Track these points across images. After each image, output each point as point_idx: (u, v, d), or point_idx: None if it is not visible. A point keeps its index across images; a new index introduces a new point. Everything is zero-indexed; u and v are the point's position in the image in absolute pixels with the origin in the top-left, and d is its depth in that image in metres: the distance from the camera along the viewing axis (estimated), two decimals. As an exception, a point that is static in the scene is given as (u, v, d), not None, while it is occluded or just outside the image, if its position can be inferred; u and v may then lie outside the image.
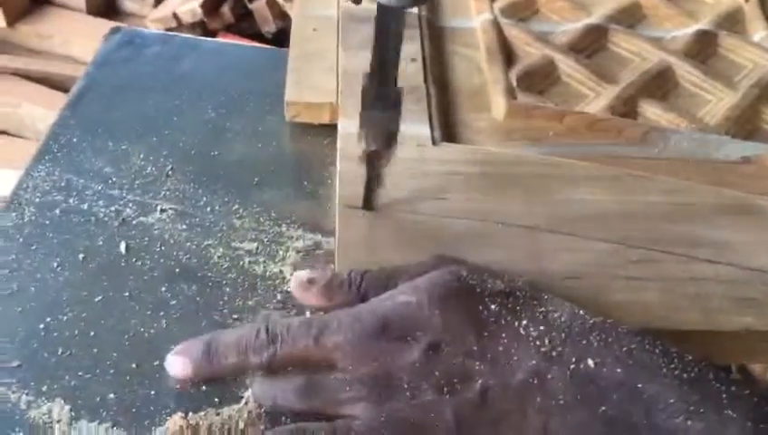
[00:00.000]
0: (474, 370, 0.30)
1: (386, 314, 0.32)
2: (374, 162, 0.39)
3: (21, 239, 0.40)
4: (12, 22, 1.55)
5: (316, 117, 0.50)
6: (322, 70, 0.52)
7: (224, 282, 0.39)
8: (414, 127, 0.46)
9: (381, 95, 0.37)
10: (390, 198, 0.41)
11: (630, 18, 0.57)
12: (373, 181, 0.40)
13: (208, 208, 0.43)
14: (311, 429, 0.30)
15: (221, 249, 0.41)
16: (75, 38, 1.55)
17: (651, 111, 0.48)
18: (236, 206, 0.44)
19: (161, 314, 0.37)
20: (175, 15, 1.55)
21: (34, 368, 0.34)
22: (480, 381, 0.30)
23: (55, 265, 0.39)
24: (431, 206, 0.41)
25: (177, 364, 0.33)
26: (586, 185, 0.43)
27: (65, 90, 1.50)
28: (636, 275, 0.38)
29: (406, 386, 0.30)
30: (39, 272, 0.39)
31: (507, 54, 0.53)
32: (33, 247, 0.40)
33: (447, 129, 0.48)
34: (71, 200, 0.43)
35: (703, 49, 0.54)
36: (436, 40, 0.55)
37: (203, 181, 0.45)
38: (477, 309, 0.31)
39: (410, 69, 0.51)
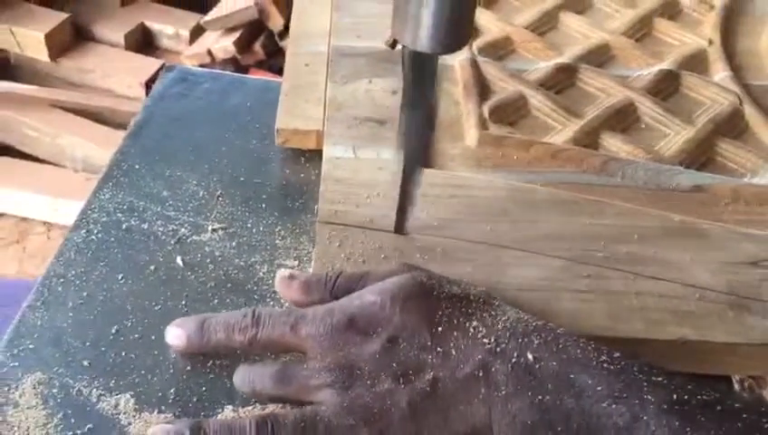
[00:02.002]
0: (427, 362, 0.34)
1: (353, 311, 0.36)
2: (407, 187, 0.44)
3: (90, 254, 0.46)
4: (55, 57, 1.65)
5: (304, 143, 0.55)
6: (311, 100, 0.57)
7: (267, 295, 0.44)
8: (391, 153, 0.51)
9: (414, 124, 0.42)
10: (363, 216, 0.46)
11: (600, 58, 0.62)
12: (405, 206, 0.44)
13: (254, 229, 0.49)
14: (282, 414, 0.34)
15: (266, 266, 0.46)
16: (114, 73, 1.65)
17: (611, 143, 0.53)
18: (279, 227, 0.49)
19: None
20: (209, 52, 1.64)
21: (103, 367, 0.40)
22: (432, 373, 0.34)
23: (120, 277, 0.44)
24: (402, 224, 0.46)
25: (173, 335, 0.39)
26: (547, 208, 0.48)
27: (103, 122, 1.60)
28: (585, 289, 0.42)
29: (366, 375, 0.34)
30: (106, 283, 0.44)
31: (482, 89, 0.58)
32: (101, 262, 0.45)
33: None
34: (132, 220, 0.48)
35: (665, 87, 0.59)
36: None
37: (249, 204, 0.51)
38: (433, 309, 0.36)
39: (391, 100, 0.56)
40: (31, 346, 0.40)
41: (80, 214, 0.49)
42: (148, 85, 1.62)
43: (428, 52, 0.38)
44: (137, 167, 0.53)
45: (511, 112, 0.56)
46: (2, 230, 1.53)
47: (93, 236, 0.47)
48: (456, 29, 0.37)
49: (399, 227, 0.45)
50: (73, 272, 0.44)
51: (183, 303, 0.43)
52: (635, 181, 0.50)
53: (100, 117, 1.60)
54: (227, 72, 0.88)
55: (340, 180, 0.49)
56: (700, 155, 0.53)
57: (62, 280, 0.44)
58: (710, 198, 0.49)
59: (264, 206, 0.51)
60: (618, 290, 0.42)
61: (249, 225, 0.49)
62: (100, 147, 1.54)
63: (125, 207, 0.49)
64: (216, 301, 0.43)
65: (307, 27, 0.66)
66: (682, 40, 0.65)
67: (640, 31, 0.66)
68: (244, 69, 1.67)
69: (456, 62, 0.61)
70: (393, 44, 0.43)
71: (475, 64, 0.60)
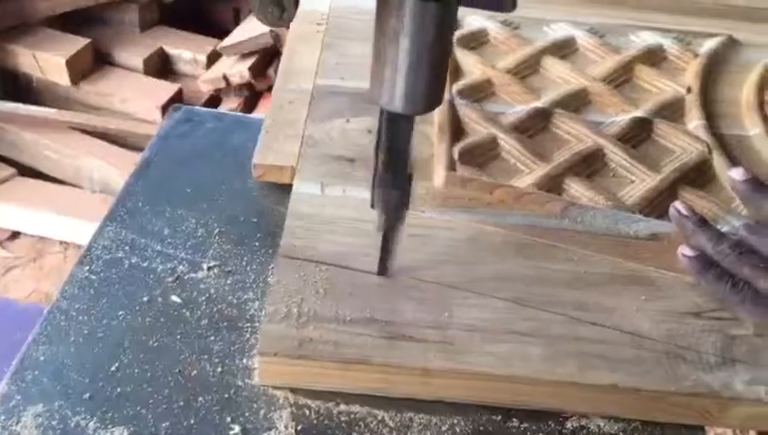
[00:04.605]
0: None
1: None
2: (388, 235, 0.47)
3: (92, 290, 0.50)
4: (75, 81, 1.74)
5: (279, 177, 0.59)
6: (290, 137, 0.61)
7: (258, 332, 0.47)
8: (358, 191, 0.54)
9: (393, 180, 0.44)
10: (324, 252, 0.49)
11: (576, 103, 0.65)
12: (386, 252, 0.48)
13: (248, 267, 0.52)
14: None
15: (257, 303, 0.50)
16: (133, 97, 1.73)
17: (575, 189, 0.56)
18: (272, 265, 0.52)
19: (205, 357, 0.46)
20: (224, 77, 1.71)
21: (101, 400, 0.43)
22: None
23: (120, 313, 0.48)
24: (358, 261, 0.49)
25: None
26: (502, 250, 0.50)
27: (121, 144, 1.68)
28: (525, 331, 0.44)
29: None
30: (106, 319, 0.48)
31: (456, 131, 0.61)
32: (102, 298, 0.49)
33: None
34: (134, 258, 0.52)
35: (637, 134, 0.62)
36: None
37: (245, 243, 0.54)
38: None
39: (365, 140, 0.60)
40: (33, 379, 0.44)
41: (85, 250, 0.53)
42: (166, 109, 1.69)
43: (403, 112, 0.41)
44: (140, 205, 0.57)
45: (480, 154, 0.59)
46: (20, 249, 1.60)
47: (96, 274, 0.51)
48: (430, 91, 0.40)
49: (382, 272, 0.48)
50: (76, 307, 0.48)
51: (177, 338, 0.47)
52: (594, 227, 0.53)
53: (118, 140, 1.68)
54: (230, 113, 0.93)
55: (304, 216, 0.52)
56: (661, 203, 0.55)
57: (65, 315, 0.48)
58: (665, 246, 0.51)
59: (257, 244, 0.54)
60: (557, 334, 0.44)
61: (244, 263, 0.52)
62: (118, 169, 1.61)
63: (128, 244, 0.53)
64: (209, 337, 0.47)
65: (296, 65, 0.70)
66: (661, 87, 0.67)
67: (621, 77, 0.68)
68: (258, 94, 1.73)
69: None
70: None
71: (452, 106, 0.64)
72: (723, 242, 0.46)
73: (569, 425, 0.42)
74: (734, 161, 0.59)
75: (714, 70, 0.70)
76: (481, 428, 0.41)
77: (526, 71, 0.69)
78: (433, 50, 0.38)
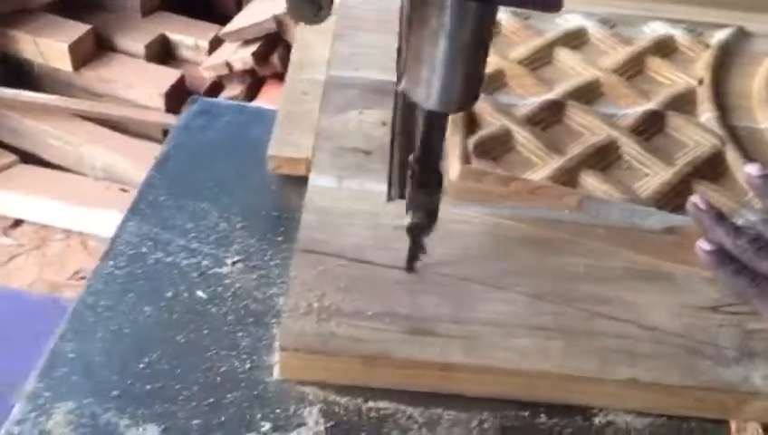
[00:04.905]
0: None
1: None
2: (417, 234, 0.47)
3: (117, 285, 0.50)
4: (77, 67, 1.73)
5: (294, 169, 0.59)
6: (305, 129, 0.61)
7: None
8: (374, 184, 0.54)
9: (426, 179, 0.44)
10: (342, 246, 0.49)
11: (589, 95, 0.65)
12: (416, 250, 0.47)
13: (272, 262, 0.52)
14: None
15: (282, 299, 0.49)
16: (135, 83, 1.72)
17: (589, 182, 0.56)
18: None
19: (233, 353, 0.46)
20: (227, 64, 1.69)
21: (131, 397, 0.43)
22: None
23: (146, 309, 0.48)
24: (377, 255, 0.49)
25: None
26: (518, 245, 0.50)
27: (123, 131, 1.66)
28: (544, 326, 0.45)
29: None
30: (133, 314, 0.48)
31: (470, 123, 0.61)
32: (128, 293, 0.49)
33: (405, 187, 0.55)
34: (157, 253, 0.52)
35: (650, 127, 0.62)
36: (410, 106, 0.63)
37: (267, 237, 0.54)
38: None
39: (380, 132, 0.59)
40: (63, 376, 0.44)
41: (109, 244, 0.53)
42: (168, 96, 1.68)
43: (439, 111, 0.40)
44: (162, 199, 0.57)
45: (495, 147, 0.59)
46: (23, 236, 1.59)
47: (120, 269, 0.50)
48: (467, 89, 0.39)
49: (410, 269, 0.48)
50: (102, 303, 0.48)
51: (205, 334, 0.46)
52: (609, 221, 0.53)
53: (120, 126, 1.67)
54: (249, 104, 0.91)
55: (321, 209, 0.52)
56: (676, 197, 0.55)
57: (91, 311, 0.47)
58: (681, 240, 0.51)
59: (280, 239, 0.54)
60: (576, 329, 0.44)
61: (267, 257, 0.52)
62: (121, 156, 1.60)
63: (150, 239, 0.53)
64: (236, 332, 0.46)
65: (308, 55, 0.70)
66: (673, 79, 0.67)
67: (633, 69, 0.68)
68: (261, 80, 1.72)
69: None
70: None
71: (465, 98, 0.63)
72: (741, 237, 0.46)
73: (597, 421, 0.42)
74: (746, 155, 0.59)
75: (725, 61, 0.69)
76: (509, 424, 0.42)
77: (538, 62, 0.69)
78: (472, 50, 0.37)
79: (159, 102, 1.69)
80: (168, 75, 1.74)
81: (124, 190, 1.59)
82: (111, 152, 1.61)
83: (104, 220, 1.51)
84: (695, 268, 0.49)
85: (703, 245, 0.47)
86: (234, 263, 0.51)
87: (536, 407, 0.42)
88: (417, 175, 0.44)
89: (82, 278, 1.47)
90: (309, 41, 0.73)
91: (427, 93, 0.39)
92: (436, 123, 0.42)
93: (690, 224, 0.52)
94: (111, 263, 0.51)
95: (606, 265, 0.49)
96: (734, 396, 0.42)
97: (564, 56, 0.69)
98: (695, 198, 0.49)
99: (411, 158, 0.44)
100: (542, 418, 0.42)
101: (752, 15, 0.75)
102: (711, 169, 0.58)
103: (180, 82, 1.73)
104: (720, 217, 0.48)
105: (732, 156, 0.59)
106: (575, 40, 0.72)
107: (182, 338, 0.46)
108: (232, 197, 0.57)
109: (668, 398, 0.43)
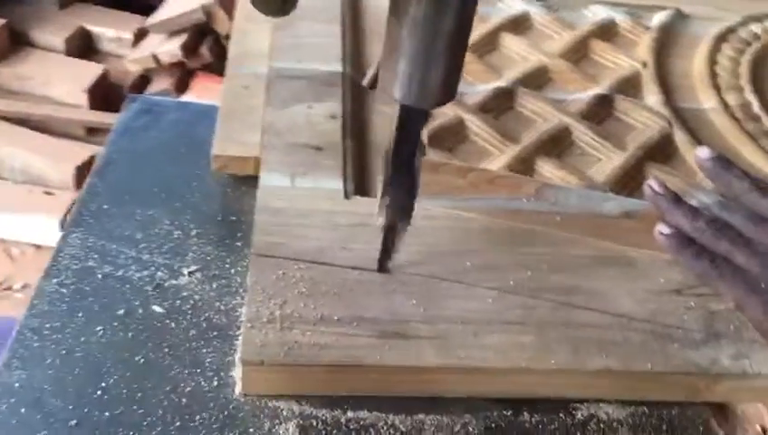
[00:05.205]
0: None
1: None
2: (391, 233, 0.44)
3: (65, 306, 0.45)
4: None
5: (241, 169, 0.56)
6: (249, 125, 0.57)
7: None
8: (329, 181, 0.52)
9: (400, 178, 0.42)
10: (301, 248, 0.46)
11: (538, 81, 0.64)
12: (388, 249, 0.45)
13: (232, 270, 0.48)
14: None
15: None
16: (54, 79, 1.61)
17: (546, 169, 0.55)
18: None
19: (198, 371, 0.42)
20: (154, 56, 1.61)
21: (90, 427, 0.39)
22: None
23: (98, 329, 0.44)
24: (338, 256, 0.46)
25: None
26: (481, 237, 0.49)
27: (43, 130, 1.55)
28: (514, 320, 0.43)
29: None
30: (84, 335, 0.43)
31: (422, 113, 0.59)
32: (77, 313, 0.44)
33: (361, 182, 0.53)
34: (106, 266, 0.47)
35: (599, 111, 0.62)
36: (358, 97, 0.61)
37: (225, 243, 0.50)
38: None
39: (330, 126, 0.57)
40: (10, 409, 0.39)
41: (50, 260, 0.48)
42: (91, 92, 1.59)
43: (418, 107, 0.38)
44: (106, 207, 0.52)
45: (449, 137, 0.58)
46: (-60, 246, 1.48)
47: (66, 286, 0.46)
48: (447, 84, 0.37)
49: (382, 270, 0.46)
50: (49, 325, 0.43)
51: (165, 352, 0.43)
52: (567, 208, 0.52)
53: (40, 126, 1.57)
54: (193, 102, 0.86)
55: (275, 210, 0.49)
56: (630, 181, 0.55)
57: (37, 335, 0.43)
58: (639, 224, 0.51)
59: (240, 244, 0.50)
60: (546, 321, 0.43)
61: (227, 265, 0.49)
62: (42, 157, 1.51)
63: (97, 251, 0.48)
64: (200, 348, 0.43)
65: (247, 47, 0.66)
66: (617, 62, 0.67)
67: (578, 53, 0.68)
68: (190, 73, 1.65)
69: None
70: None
71: (414, 88, 0.61)
72: (699, 218, 0.45)
73: (579, 415, 0.41)
74: (693, 135, 0.60)
75: (665, 43, 0.70)
76: (493, 425, 0.40)
77: (484, 48, 0.68)
78: (453, 41, 0.35)
79: (82, 99, 1.59)
80: (91, 70, 1.64)
81: (49, 193, 1.50)
82: (31, 153, 1.51)
83: (29, 226, 1.42)
84: (654, 252, 0.49)
85: (661, 228, 0.47)
86: (191, 273, 0.48)
87: (519, 405, 0.41)
88: (392, 174, 0.42)
89: (7, 289, 1.38)
90: (246, 31, 0.69)
91: (405, 88, 0.37)
92: (413, 119, 0.40)
93: (646, 207, 0.52)
94: (56, 280, 0.46)
95: (569, 254, 0.49)
96: (704, 378, 0.42)
97: (510, 42, 0.69)
98: (651, 182, 0.49)
99: (385, 155, 0.42)
100: (525, 416, 0.41)
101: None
102: (661, 151, 0.58)
103: (104, 78, 1.63)
104: (677, 199, 0.48)
105: (680, 137, 0.59)
106: (519, 25, 0.71)
107: (140, 358, 0.42)
108: (183, 201, 0.53)
109: (640, 384, 0.42)
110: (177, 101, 0.69)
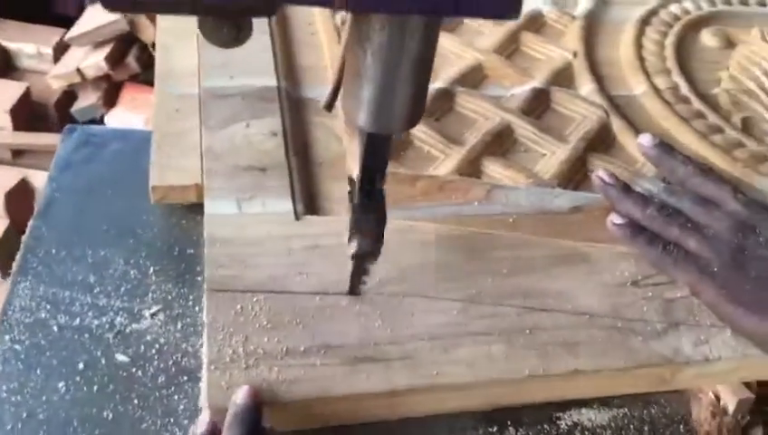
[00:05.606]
0: None
1: None
2: (363, 260, 0.42)
3: (20, 364, 0.41)
4: None
5: (183, 198, 0.53)
6: (186, 150, 0.55)
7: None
8: (277, 204, 0.50)
9: (370, 203, 0.40)
10: (257, 278, 0.44)
11: (474, 79, 0.64)
12: (360, 275, 0.43)
13: (196, 307, 0.46)
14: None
15: None
16: (-27, 101, 1.50)
17: (493, 169, 0.55)
18: None
19: (171, 420, 0.39)
20: (78, 71, 1.52)
21: None
22: None
23: (60, 385, 0.40)
24: (295, 282, 0.45)
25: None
26: (437, 247, 0.48)
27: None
28: (481, 331, 0.43)
29: None
30: (44, 394, 0.40)
31: (363, 122, 0.58)
32: (34, 370, 0.41)
33: (310, 201, 0.52)
34: (61, 316, 0.44)
35: (538, 105, 0.61)
36: (296, 111, 0.59)
37: (185, 279, 0.47)
38: None
39: (271, 144, 0.55)
40: None
41: (0, 315, 0.44)
42: (14, 112, 1.49)
43: (384, 133, 0.37)
44: (54, 251, 0.48)
45: (394, 145, 0.56)
46: None
47: (20, 343, 0.42)
48: (413, 109, 0.36)
49: (353, 292, 0.44)
50: (5, 387, 0.40)
51: (135, 404, 0.40)
52: (519, 208, 0.52)
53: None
54: (136, 129, 0.81)
55: (225, 241, 0.47)
56: (575, 174, 0.55)
57: None
58: (587, 217, 0.51)
59: (200, 279, 0.47)
60: (513, 328, 0.43)
61: (189, 303, 0.46)
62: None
63: (49, 301, 0.45)
64: (171, 396, 0.40)
65: (174, 66, 0.63)
66: (548, 54, 0.67)
67: (510, 47, 0.67)
68: (118, 85, 1.57)
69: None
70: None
71: (353, 96, 0.60)
72: (649, 206, 0.46)
73: (563, 425, 0.41)
74: (629, 122, 0.61)
75: (592, 31, 0.70)
76: (479, 443, 0.40)
77: (418, 49, 0.67)
78: (417, 67, 0.33)
79: (5, 121, 1.50)
80: (11, 89, 1.53)
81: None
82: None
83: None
84: (607, 245, 0.49)
85: (614, 218, 0.48)
86: (153, 315, 0.45)
87: (503, 420, 0.40)
88: (360, 201, 0.40)
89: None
90: (169, 47, 0.65)
91: (370, 115, 0.35)
92: (379, 145, 0.38)
93: (594, 200, 0.53)
94: (8, 337, 0.42)
95: (525, 256, 0.48)
96: (669, 367, 0.43)
97: (442, 40, 0.68)
98: (600, 172, 0.49)
99: (353, 181, 0.40)
100: (511, 431, 0.40)
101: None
102: (601, 141, 0.58)
103: (26, 96, 1.54)
104: (626, 188, 0.48)
105: (617, 125, 0.60)
106: (450, 23, 0.70)
107: (108, 413, 0.39)
108: (135, 238, 0.49)
109: (609, 381, 0.42)
110: (116, 130, 0.65)
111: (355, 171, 0.40)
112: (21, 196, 1.41)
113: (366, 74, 0.34)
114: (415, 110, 0.36)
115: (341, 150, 0.56)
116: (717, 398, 0.47)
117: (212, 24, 0.30)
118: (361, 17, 0.32)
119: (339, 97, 0.38)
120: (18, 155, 1.50)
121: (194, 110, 0.58)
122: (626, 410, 0.42)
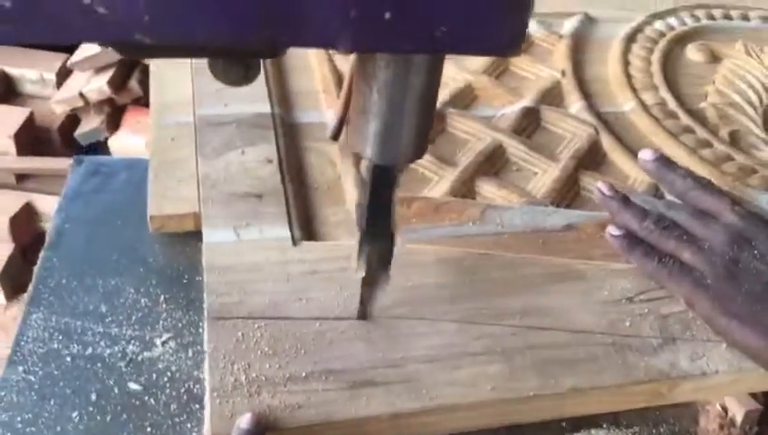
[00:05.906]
0: None
1: None
2: (372, 284, 0.43)
3: (34, 394, 0.41)
4: None
5: (180, 227, 0.53)
6: (182, 179, 0.55)
7: None
8: (274, 230, 0.50)
9: (377, 231, 0.40)
10: (257, 305, 0.45)
11: (465, 100, 0.64)
12: (369, 299, 0.43)
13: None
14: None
15: None
16: (-23, 128, 1.50)
17: (487, 190, 0.55)
18: None
19: None
20: (81, 95, 1.52)
21: None
22: None
23: (74, 414, 0.40)
24: (295, 308, 0.45)
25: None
26: (434, 268, 0.48)
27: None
28: (480, 351, 0.43)
29: None
30: (58, 425, 0.40)
31: (358, 146, 0.58)
32: (48, 400, 0.41)
33: (307, 226, 0.52)
34: (73, 346, 0.44)
35: (528, 124, 0.62)
36: (291, 137, 0.59)
37: (196, 306, 0.47)
38: None
39: (267, 170, 0.55)
40: None
41: (13, 346, 0.44)
42: (18, 137, 1.49)
43: (389, 165, 0.37)
44: (64, 282, 0.48)
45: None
46: None
47: (33, 373, 0.42)
48: (417, 141, 0.36)
49: (362, 317, 0.44)
50: (20, 418, 0.40)
51: (148, 432, 0.40)
52: (513, 227, 0.52)
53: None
54: (143, 158, 0.81)
55: (224, 268, 0.47)
56: (568, 191, 0.56)
57: (9, 429, 0.39)
58: (580, 235, 0.52)
59: None
60: (511, 347, 0.43)
61: (201, 330, 0.45)
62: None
63: (61, 331, 0.45)
64: (184, 424, 0.40)
65: (168, 96, 0.63)
66: (537, 73, 0.68)
67: (499, 67, 0.68)
68: (120, 108, 1.58)
69: (328, 118, 0.61)
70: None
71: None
72: (647, 218, 0.47)
73: None
74: (619, 139, 0.61)
75: (579, 50, 0.71)
76: (487, 465, 0.40)
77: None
78: (422, 102, 0.34)
79: (9, 146, 1.49)
80: (15, 115, 1.53)
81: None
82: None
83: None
84: (601, 262, 0.50)
85: (611, 230, 0.48)
86: (164, 343, 0.44)
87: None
88: (367, 229, 0.40)
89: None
90: (165, 79, 0.66)
91: (377, 148, 0.35)
92: (385, 177, 0.38)
93: (587, 217, 0.53)
94: (21, 368, 0.42)
95: (521, 274, 0.49)
96: (666, 383, 0.43)
97: (432, 63, 0.69)
98: (600, 185, 0.50)
99: (358, 209, 0.41)
100: (521, 453, 0.41)
101: (593, 1, 0.79)
102: (591, 158, 0.59)
103: (29, 121, 1.53)
104: (626, 200, 0.49)
105: (607, 142, 0.60)
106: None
107: None
108: (145, 266, 0.49)
109: (608, 397, 0.43)
110: (124, 159, 0.65)
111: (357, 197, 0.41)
112: (25, 220, 1.42)
113: (372, 110, 0.34)
114: (420, 142, 0.37)
115: (336, 175, 0.56)
116: (725, 410, 0.47)
117: (222, 65, 0.31)
118: (366, 56, 0.33)
119: (344, 128, 0.39)
120: (22, 179, 1.50)
121: (189, 138, 0.58)
122: (636, 428, 0.43)
